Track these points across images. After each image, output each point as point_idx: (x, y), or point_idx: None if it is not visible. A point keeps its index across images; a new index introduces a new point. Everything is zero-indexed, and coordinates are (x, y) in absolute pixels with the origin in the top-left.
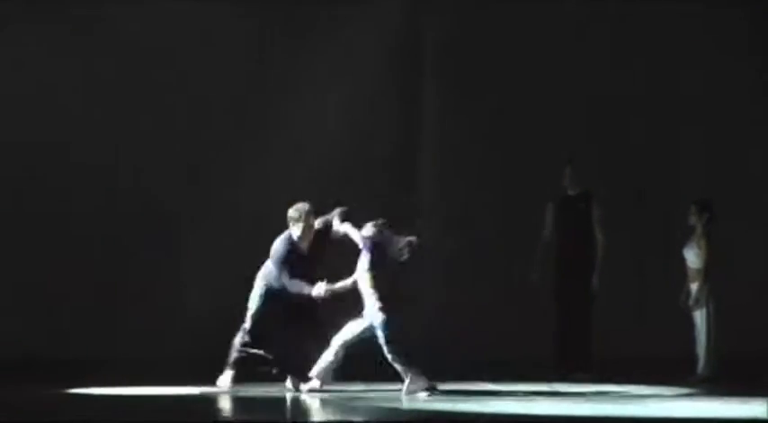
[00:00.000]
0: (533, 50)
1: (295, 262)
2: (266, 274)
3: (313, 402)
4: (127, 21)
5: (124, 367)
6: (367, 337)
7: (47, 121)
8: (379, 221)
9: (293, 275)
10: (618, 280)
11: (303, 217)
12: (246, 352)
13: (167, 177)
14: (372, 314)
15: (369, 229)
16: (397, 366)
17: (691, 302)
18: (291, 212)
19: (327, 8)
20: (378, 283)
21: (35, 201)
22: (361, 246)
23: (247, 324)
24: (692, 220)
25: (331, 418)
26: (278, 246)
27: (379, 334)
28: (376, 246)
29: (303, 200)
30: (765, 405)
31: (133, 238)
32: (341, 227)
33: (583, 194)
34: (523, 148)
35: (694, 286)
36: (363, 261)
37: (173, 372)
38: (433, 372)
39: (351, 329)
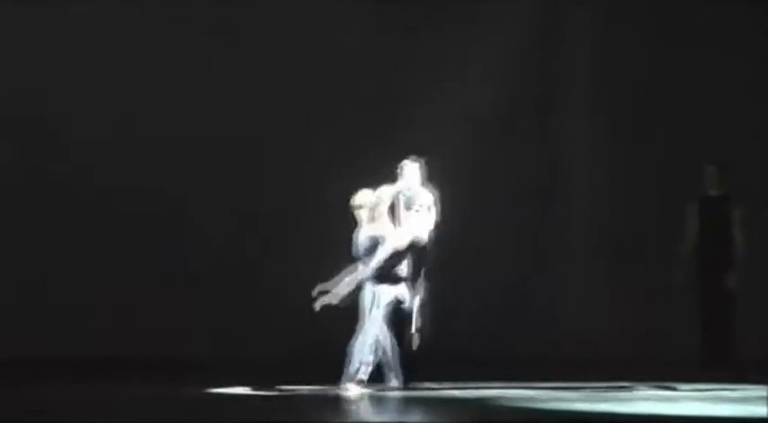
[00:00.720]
0: (683, 45)
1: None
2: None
3: (447, 403)
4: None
5: (233, 368)
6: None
7: (156, 121)
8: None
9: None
10: (759, 281)
11: (363, 204)
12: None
13: (282, 176)
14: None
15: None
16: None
17: None
18: (352, 202)
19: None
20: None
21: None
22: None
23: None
24: None
25: (477, 419)
26: (355, 240)
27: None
28: None
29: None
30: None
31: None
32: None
33: (724, 196)
34: (666, 147)
35: None
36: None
37: (289, 372)
38: (571, 372)
39: None
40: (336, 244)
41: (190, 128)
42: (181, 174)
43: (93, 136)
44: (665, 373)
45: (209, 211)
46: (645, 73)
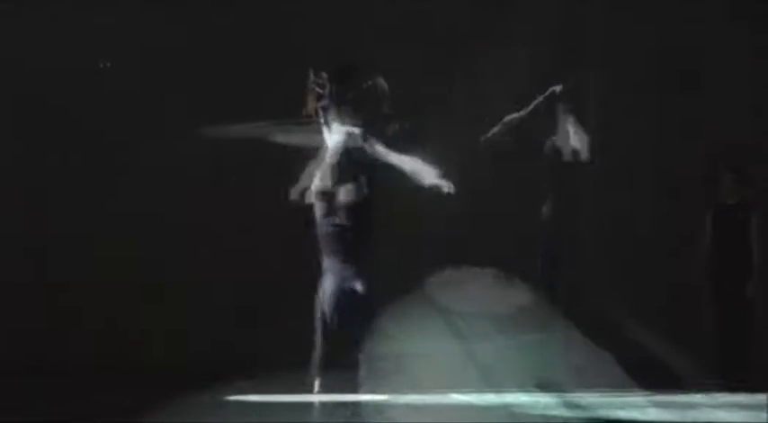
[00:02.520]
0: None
1: None
2: None
3: (459, 410)
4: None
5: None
6: None
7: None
8: None
9: None
10: None
11: None
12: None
13: None
14: None
15: None
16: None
17: None
18: None
19: None
20: None
21: None
22: None
23: None
24: None
25: None
26: None
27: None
28: None
29: None
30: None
31: None
32: None
33: (741, 203)
34: (687, 152)
35: None
36: None
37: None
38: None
39: None
40: None
41: None
42: None
43: None
44: (682, 380)
45: None
46: (664, 73)
